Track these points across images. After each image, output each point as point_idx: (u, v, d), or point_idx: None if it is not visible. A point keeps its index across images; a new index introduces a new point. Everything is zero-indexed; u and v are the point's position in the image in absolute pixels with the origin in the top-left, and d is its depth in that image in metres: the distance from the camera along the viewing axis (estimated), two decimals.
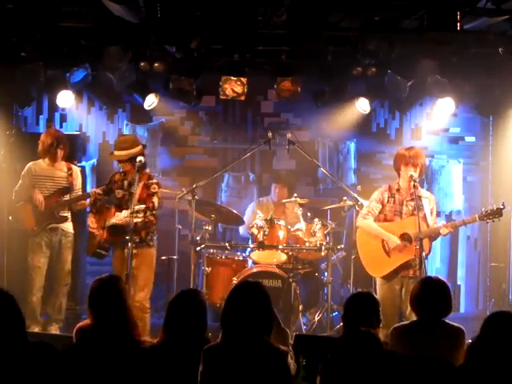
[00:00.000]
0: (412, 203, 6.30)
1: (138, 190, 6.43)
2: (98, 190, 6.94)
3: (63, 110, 8.56)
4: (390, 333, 4.45)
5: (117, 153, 6.67)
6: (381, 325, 4.39)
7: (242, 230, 8.23)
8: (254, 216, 7.86)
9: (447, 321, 4.39)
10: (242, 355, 3.62)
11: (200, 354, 3.66)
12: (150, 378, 3.61)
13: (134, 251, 6.42)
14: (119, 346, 3.72)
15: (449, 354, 4.10)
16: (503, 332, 3.63)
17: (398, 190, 6.40)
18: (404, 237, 6.26)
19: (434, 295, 4.37)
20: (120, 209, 6.63)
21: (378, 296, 5.62)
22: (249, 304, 3.71)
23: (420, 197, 6.29)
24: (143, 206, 6.31)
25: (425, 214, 6.23)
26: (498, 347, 3.60)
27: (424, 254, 6.05)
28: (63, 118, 8.75)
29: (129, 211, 6.32)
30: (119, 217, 6.53)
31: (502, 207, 6.08)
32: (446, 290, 4.44)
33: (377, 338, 3.45)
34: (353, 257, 7.21)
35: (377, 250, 6.35)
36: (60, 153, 7.08)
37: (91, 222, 6.76)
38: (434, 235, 6.33)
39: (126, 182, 6.73)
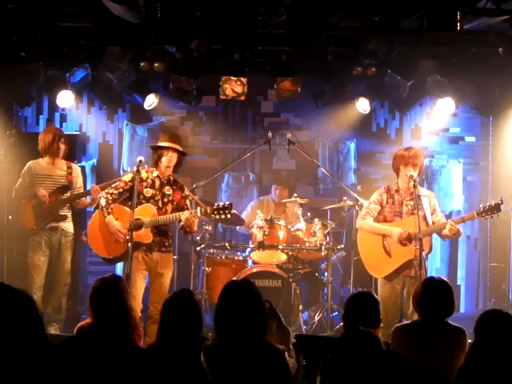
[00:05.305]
0: (411, 203, 6.30)
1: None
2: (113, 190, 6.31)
3: (63, 109, 8.56)
4: (392, 332, 4.45)
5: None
6: (382, 325, 4.40)
7: (239, 226, 8.24)
8: (253, 214, 7.88)
9: (449, 321, 4.40)
10: (237, 354, 3.63)
11: (196, 353, 3.67)
12: (147, 377, 3.61)
13: (162, 256, 6.28)
14: (118, 346, 3.72)
15: (450, 355, 4.12)
16: (495, 331, 3.67)
17: (397, 190, 6.40)
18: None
19: (436, 296, 4.37)
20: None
21: (379, 296, 5.63)
22: (238, 303, 3.73)
23: (419, 196, 6.29)
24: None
25: (425, 214, 6.23)
26: (493, 347, 3.63)
27: (424, 253, 6.05)
28: (63, 118, 8.74)
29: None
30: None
31: (500, 202, 6.09)
32: (449, 290, 4.43)
33: (375, 338, 3.45)
34: (355, 258, 7.22)
35: (378, 252, 6.34)
36: (62, 147, 7.00)
37: (119, 226, 6.18)
38: (441, 235, 6.38)
39: (157, 181, 6.35)
